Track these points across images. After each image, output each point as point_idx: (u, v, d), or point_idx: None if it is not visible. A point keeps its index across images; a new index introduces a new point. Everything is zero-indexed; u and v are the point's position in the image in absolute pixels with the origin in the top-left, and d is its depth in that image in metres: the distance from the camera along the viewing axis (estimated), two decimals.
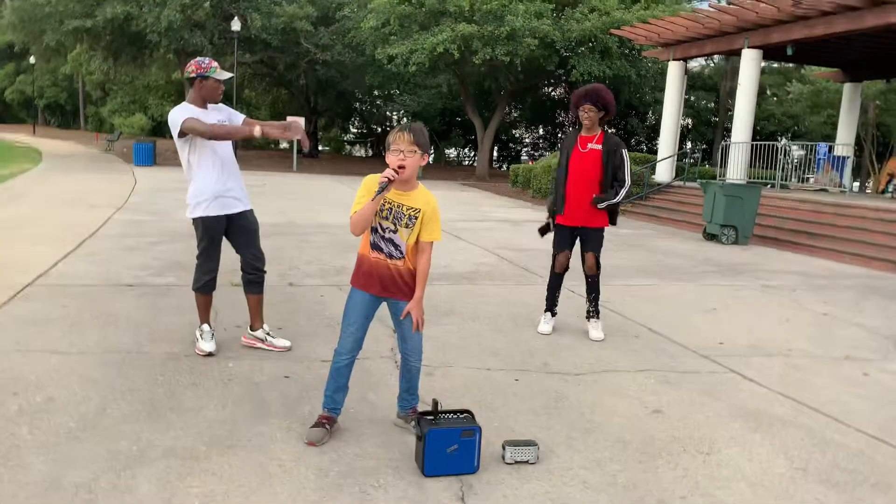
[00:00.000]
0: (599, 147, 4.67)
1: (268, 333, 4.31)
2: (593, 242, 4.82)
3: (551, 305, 5.03)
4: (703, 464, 3.04)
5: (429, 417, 2.83)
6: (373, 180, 2.90)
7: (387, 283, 2.99)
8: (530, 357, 4.41)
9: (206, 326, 4.18)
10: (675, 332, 5.19)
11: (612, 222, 4.83)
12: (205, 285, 4.13)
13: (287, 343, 4.30)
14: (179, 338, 4.37)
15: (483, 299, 5.96)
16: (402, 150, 2.84)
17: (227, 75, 4.06)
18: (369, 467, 2.83)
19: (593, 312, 4.93)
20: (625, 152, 4.68)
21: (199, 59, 4.05)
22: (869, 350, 5.06)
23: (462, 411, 2.90)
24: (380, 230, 2.95)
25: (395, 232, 2.95)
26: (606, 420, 3.46)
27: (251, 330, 4.32)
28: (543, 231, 4.98)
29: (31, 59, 38.41)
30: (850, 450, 3.28)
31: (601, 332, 4.88)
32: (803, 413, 3.71)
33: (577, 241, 4.88)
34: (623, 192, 4.68)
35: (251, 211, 4.23)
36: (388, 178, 2.80)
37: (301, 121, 3.65)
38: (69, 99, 51.26)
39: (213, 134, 3.91)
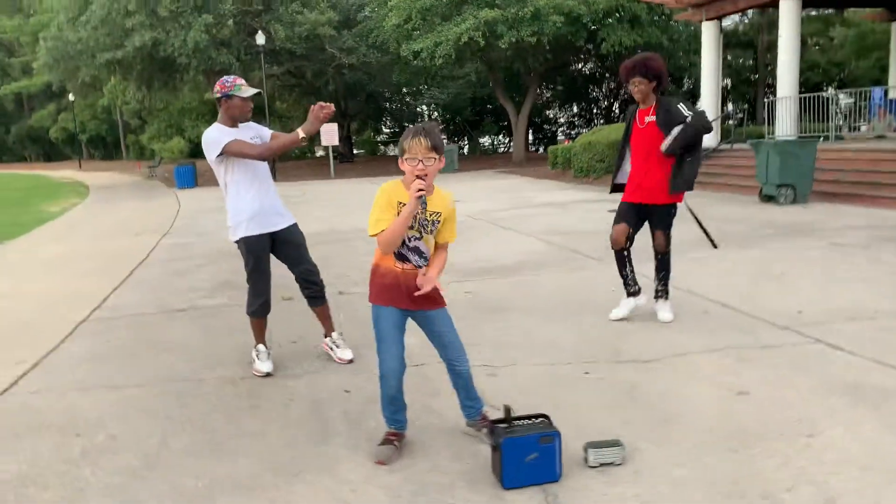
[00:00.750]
0: (654, 118, 4.39)
1: (334, 342, 4.20)
2: (660, 219, 4.53)
3: (625, 286, 4.69)
4: (805, 448, 2.78)
5: (502, 425, 2.64)
6: (391, 188, 2.76)
7: (413, 293, 2.84)
8: (596, 347, 4.18)
9: (261, 346, 4.08)
10: (746, 304, 4.89)
11: (687, 187, 4.43)
12: (258, 309, 4.04)
13: (349, 355, 4.15)
14: (236, 360, 4.28)
15: (536, 289, 5.73)
16: (420, 159, 2.66)
17: (251, 92, 3.92)
18: (444, 483, 2.66)
19: (662, 292, 4.66)
20: (679, 104, 4.34)
21: (223, 78, 3.94)
22: None
23: (538, 416, 2.71)
24: (406, 240, 2.81)
25: (419, 239, 2.83)
26: (689, 408, 3.22)
27: (325, 336, 4.28)
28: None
29: (70, 97, 39.47)
30: None
31: (670, 312, 4.60)
32: None
33: (647, 220, 4.59)
34: (677, 135, 4.29)
35: (295, 225, 4.11)
36: (422, 191, 2.66)
37: (325, 107, 3.60)
38: (109, 130, 52.54)
39: (262, 156, 3.84)
